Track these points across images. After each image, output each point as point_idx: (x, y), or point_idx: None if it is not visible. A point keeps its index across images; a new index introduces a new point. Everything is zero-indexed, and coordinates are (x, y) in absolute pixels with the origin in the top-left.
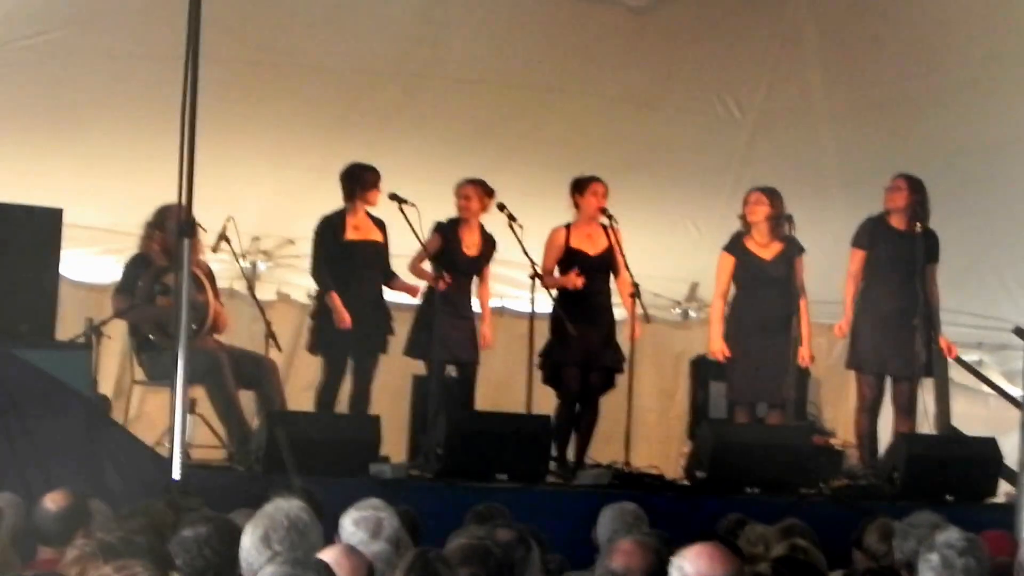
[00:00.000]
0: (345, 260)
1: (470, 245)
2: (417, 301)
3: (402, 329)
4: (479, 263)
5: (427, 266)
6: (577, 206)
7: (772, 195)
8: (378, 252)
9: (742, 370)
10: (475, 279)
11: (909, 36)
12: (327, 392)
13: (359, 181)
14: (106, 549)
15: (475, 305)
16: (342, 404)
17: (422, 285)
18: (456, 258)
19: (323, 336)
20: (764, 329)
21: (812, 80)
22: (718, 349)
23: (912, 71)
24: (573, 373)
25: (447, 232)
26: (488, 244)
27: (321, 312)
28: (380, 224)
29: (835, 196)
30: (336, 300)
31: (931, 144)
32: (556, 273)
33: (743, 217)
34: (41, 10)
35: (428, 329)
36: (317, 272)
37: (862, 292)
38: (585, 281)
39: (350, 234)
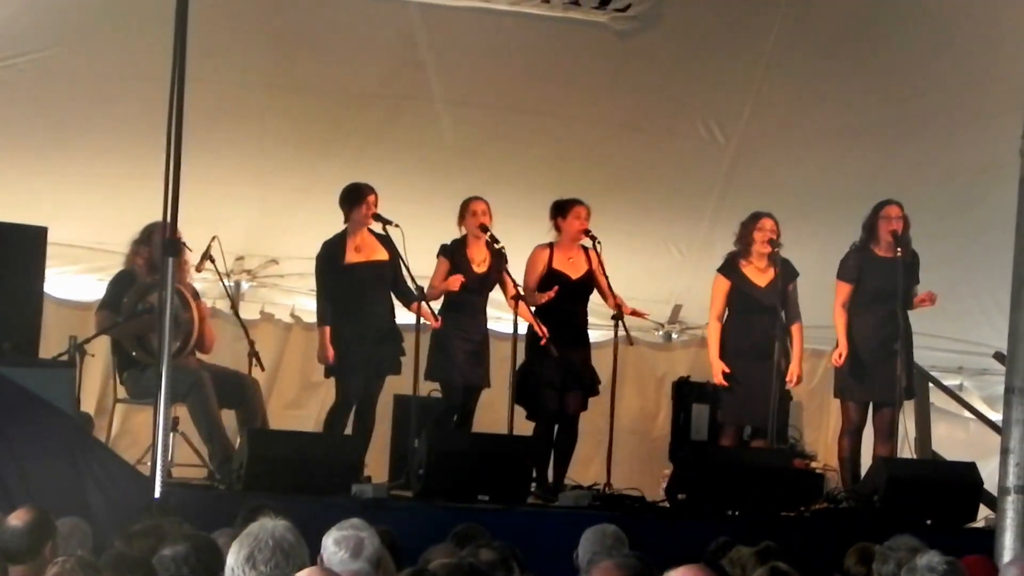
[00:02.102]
0: (348, 284)
1: (479, 261)
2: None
3: (407, 348)
4: (489, 278)
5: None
6: (558, 228)
7: (775, 220)
8: (382, 272)
9: (731, 393)
10: (484, 297)
11: (891, 61)
12: (338, 414)
13: (352, 197)
14: (86, 567)
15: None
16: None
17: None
18: (466, 276)
19: (335, 359)
20: (754, 353)
21: (794, 104)
22: (719, 371)
23: (894, 96)
24: (550, 395)
25: (453, 253)
26: (497, 257)
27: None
28: (386, 241)
29: (817, 220)
30: (325, 335)
31: (913, 169)
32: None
33: (747, 240)
34: (28, 30)
35: (443, 352)
36: (318, 302)
37: (848, 322)
38: (565, 304)
39: (351, 256)
